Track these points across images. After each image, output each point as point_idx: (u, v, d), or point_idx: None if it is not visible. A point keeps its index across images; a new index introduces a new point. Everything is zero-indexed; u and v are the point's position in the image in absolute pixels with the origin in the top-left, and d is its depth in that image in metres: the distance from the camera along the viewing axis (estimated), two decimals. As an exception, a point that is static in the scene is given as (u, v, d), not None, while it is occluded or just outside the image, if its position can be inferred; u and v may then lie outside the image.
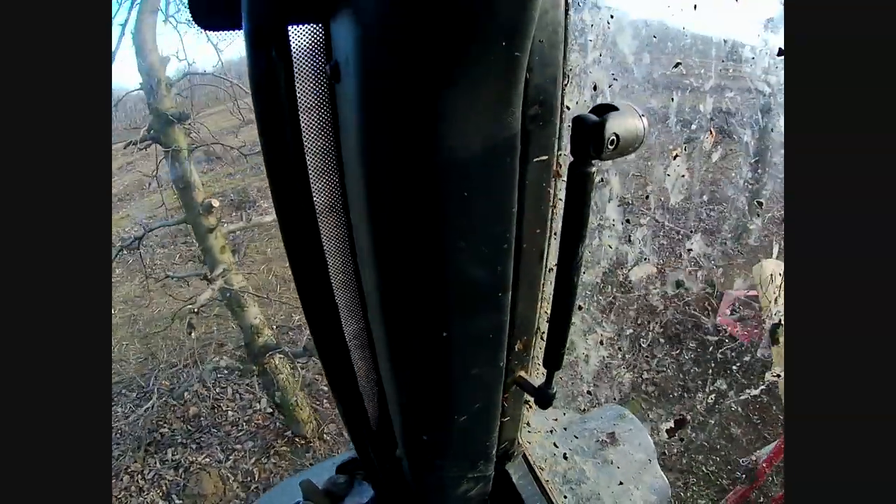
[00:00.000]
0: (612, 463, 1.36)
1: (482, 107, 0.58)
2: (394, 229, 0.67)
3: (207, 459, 5.96)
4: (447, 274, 0.69)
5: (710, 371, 5.44)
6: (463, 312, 0.74)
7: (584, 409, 1.58)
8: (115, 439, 6.21)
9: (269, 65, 0.60)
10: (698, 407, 5.16)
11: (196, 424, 6.42)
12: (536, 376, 0.97)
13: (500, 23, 0.52)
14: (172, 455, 5.98)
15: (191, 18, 0.61)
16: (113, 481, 5.68)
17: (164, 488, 5.65)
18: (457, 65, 0.54)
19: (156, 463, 5.92)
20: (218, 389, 6.76)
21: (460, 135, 0.58)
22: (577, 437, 1.39)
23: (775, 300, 4.10)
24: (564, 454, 1.30)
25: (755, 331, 5.32)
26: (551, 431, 1.33)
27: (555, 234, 0.82)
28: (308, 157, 0.69)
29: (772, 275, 4.14)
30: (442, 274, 0.69)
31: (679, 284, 6.17)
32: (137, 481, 5.70)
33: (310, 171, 0.71)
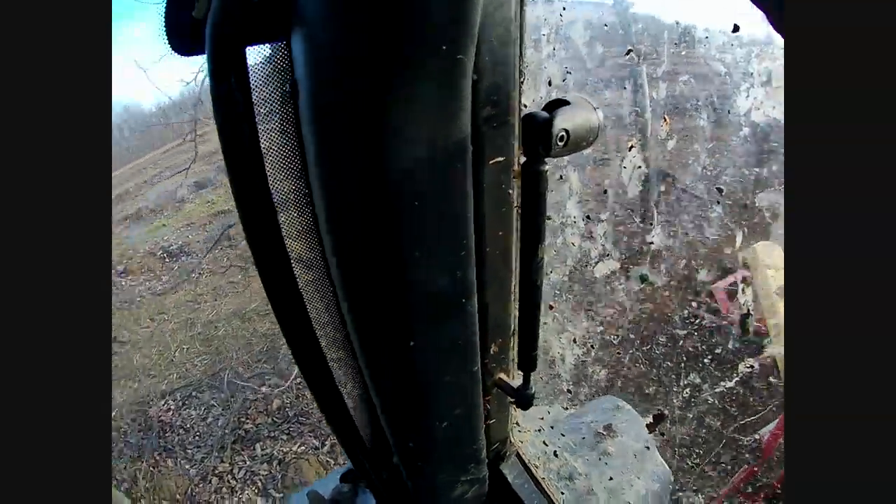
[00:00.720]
0: (611, 455, 1.40)
1: (428, 113, 0.59)
2: (353, 242, 0.68)
3: (302, 448, 5.94)
4: (407, 284, 0.70)
5: (683, 365, 5.56)
6: (428, 321, 0.76)
7: (566, 408, 1.60)
8: (196, 442, 6.20)
9: (228, 89, 0.61)
10: (675, 401, 5.26)
11: (282, 416, 6.42)
12: (517, 377, 0.99)
13: (438, 29, 0.53)
14: (262, 449, 5.93)
15: (168, 45, 0.63)
16: (201, 485, 5.66)
17: (258, 484, 5.60)
18: (398, 74, 0.54)
19: (244, 460, 5.86)
20: (299, 379, 6.70)
21: (408, 143, 0.59)
22: (569, 433, 1.43)
23: (765, 283, 4.22)
24: (555, 451, 1.33)
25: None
26: (539, 430, 1.35)
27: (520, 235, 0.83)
28: (277, 180, 0.70)
29: (764, 258, 4.26)
30: (402, 284, 0.70)
31: (643, 279, 6.28)
32: (228, 481, 5.65)
33: (279, 194, 0.71)
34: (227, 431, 6.19)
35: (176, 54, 0.63)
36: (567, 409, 1.60)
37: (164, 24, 0.62)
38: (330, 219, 0.68)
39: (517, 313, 0.90)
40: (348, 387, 0.99)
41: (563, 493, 1.26)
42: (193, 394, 6.93)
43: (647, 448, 1.42)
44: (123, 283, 9.62)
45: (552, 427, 1.41)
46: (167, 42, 0.62)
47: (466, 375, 0.87)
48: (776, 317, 4.02)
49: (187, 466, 5.89)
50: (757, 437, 4.53)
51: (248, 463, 5.83)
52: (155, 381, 7.22)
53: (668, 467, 1.42)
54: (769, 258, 4.26)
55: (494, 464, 1.20)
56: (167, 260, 10.31)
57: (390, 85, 0.55)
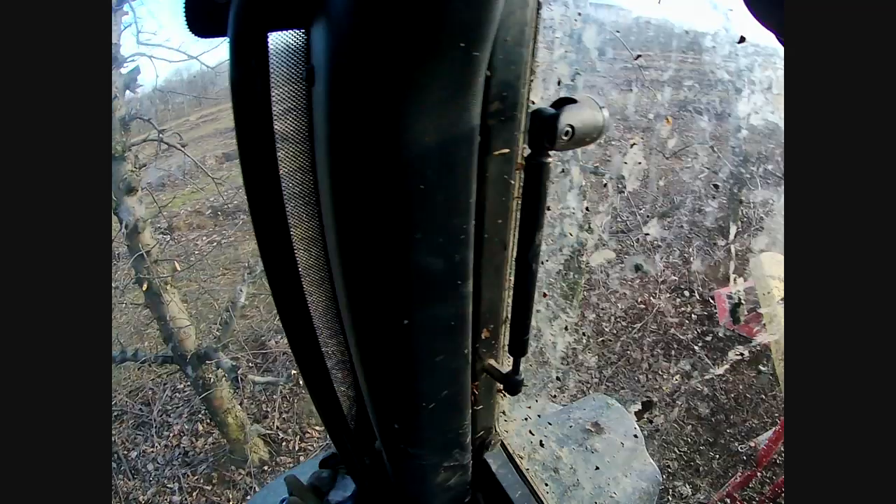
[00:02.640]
0: (598, 451, 1.39)
1: (440, 104, 0.60)
2: (355, 222, 0.69)
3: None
4: (406, 264, 0.71)
5: (673, 352, 5.56)
6: (423, 301, 0.76)
7: (554, 396, 1.59)
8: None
9: (248, 72, 0.61)
10: (664, 388, 5.27)
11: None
12: (507, 366, 0.98)
13: (459, 28, 0.54)
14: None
15: (186, 26, 0.62)
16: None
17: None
18: (417, 67, 0.56)
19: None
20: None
21: (417, 131, 0.60)
22: (556, 425, 1.41)
23: (767, 293, 4.20)
24: (541, 441, 1.32)
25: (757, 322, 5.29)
26: (526, 419, 1.34)
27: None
28: (284, 162, 0.71)
29: (769, 269, 4.25)
30: (401, 264, 0.71)
31: (638, 268, 6.29)
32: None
33: (285, 175, 0.72)
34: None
35: (194, 35, 0.64)
36: (555, 396, 1.59)
37: (184, 4, 0.62)
38: (335, 199, 0.69)
39: (511, 300, 0.90)
40: (336, 367, 0.99)
41: (547, 485, 1.25)
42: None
43: (635, 446, 1.41)
44: (169, 238, 8.24)
45: (539, 417, 1.40)
46: (186, 23, 0.62)
47: (457, 358, 0.87)
48: (775, 324, 4.01)
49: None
50: (752, 444, 4.52)
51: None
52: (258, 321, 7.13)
53: (656, 466, 1.40)
54: (774, 269, 4.25)
55: (479, 452, 1.19)
56: (221, 217, 9.75)
57: (408, 77, 0.56)
